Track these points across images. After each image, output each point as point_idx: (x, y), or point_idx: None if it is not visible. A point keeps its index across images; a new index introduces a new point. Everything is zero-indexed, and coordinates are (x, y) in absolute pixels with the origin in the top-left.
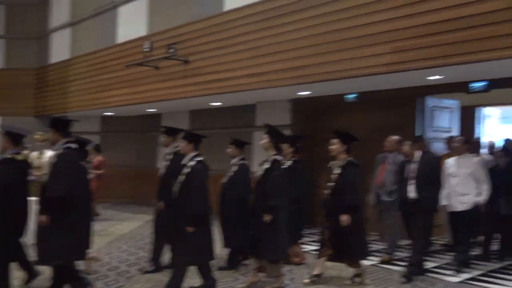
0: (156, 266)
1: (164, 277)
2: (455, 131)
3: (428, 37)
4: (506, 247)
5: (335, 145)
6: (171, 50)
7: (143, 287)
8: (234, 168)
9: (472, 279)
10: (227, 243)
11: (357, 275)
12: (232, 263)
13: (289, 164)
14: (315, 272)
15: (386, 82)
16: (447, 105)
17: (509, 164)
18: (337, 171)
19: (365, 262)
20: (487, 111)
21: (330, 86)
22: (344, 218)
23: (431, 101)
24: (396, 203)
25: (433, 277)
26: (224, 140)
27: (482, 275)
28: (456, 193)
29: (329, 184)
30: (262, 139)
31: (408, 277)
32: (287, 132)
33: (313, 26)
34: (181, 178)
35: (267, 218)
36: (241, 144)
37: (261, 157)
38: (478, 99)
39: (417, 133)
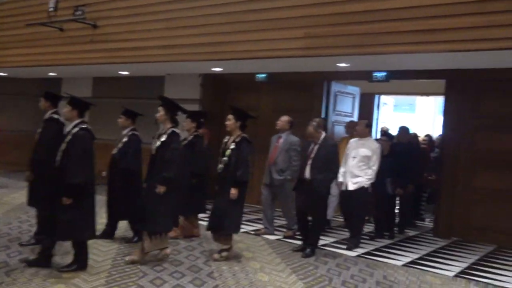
0: (36, 240)
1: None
2: (355, 116)
3: (339, 27)
4: (396, 225)
5: (230, 121)
6: (78, 12)
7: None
8: (125, 139)
9: (367, 253)
10: (116, 215)
11: (226, 249)
12: (137, 234)
13: (190, 139)
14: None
15: (298, 65)
16: (350, 91)
17: (391, 149)
18: (231, 146)
19: (267, 237)
20: (383, 99)
21: (242, 64)
22: (233, 192)
23: (336, 86)
24: (287, 181)
25: (333, 251)
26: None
27: (376, 250)
28: (351, 174)
29: (223, 159)
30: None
31: (308, 254)
32: (195, 107)
33: (228, 4)
34: (63, 146)
35: (161, 189)
36: (133, 115)
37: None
38: (375, 88)
39: (322, 115)
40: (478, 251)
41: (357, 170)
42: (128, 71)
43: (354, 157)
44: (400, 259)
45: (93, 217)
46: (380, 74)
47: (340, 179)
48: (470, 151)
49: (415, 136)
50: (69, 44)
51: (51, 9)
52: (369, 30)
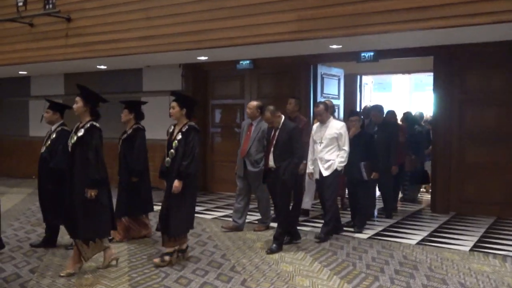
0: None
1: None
2: (341, 98)
3: (331, 8)
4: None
5: (174, 109)
6: (49, 6)
7: (60, 266)
8: (53, 136)
9: (377, 234)
10: (46, 219)
11: (169, 252)
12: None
13: (129, 132)
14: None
15: (287, 49)
16: (335, 73)
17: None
18: (178, 137)
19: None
20: (364, 79)
21: (228, 52)
22: (176, 185)
23: (322, 69)
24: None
25: (345, 235)
26: (113, 107)
27: (384, 230)
28: (321, 160)
29: (170, 151)
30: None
31: (274, 249)
32: None
33: None
34: None
35: (91, 193)
36: (61, 108)
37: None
38: (358, 68)
39: (310, 99)
40: (480, 223)
41: (327, 154)
42: (105, 65)
43: (321, 142)
44: (411, 238)
45: None
46: (368, 54)
47: (310, 169)
48: (461, 126)
49: (392, 114)
50: (40, 40)
51: (20, 4)
52: (361, 10)
